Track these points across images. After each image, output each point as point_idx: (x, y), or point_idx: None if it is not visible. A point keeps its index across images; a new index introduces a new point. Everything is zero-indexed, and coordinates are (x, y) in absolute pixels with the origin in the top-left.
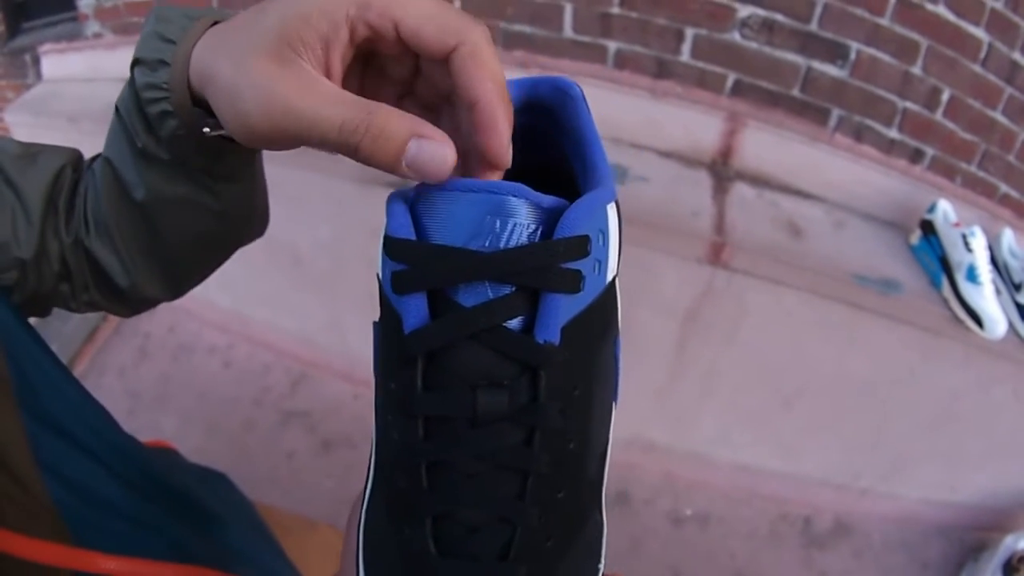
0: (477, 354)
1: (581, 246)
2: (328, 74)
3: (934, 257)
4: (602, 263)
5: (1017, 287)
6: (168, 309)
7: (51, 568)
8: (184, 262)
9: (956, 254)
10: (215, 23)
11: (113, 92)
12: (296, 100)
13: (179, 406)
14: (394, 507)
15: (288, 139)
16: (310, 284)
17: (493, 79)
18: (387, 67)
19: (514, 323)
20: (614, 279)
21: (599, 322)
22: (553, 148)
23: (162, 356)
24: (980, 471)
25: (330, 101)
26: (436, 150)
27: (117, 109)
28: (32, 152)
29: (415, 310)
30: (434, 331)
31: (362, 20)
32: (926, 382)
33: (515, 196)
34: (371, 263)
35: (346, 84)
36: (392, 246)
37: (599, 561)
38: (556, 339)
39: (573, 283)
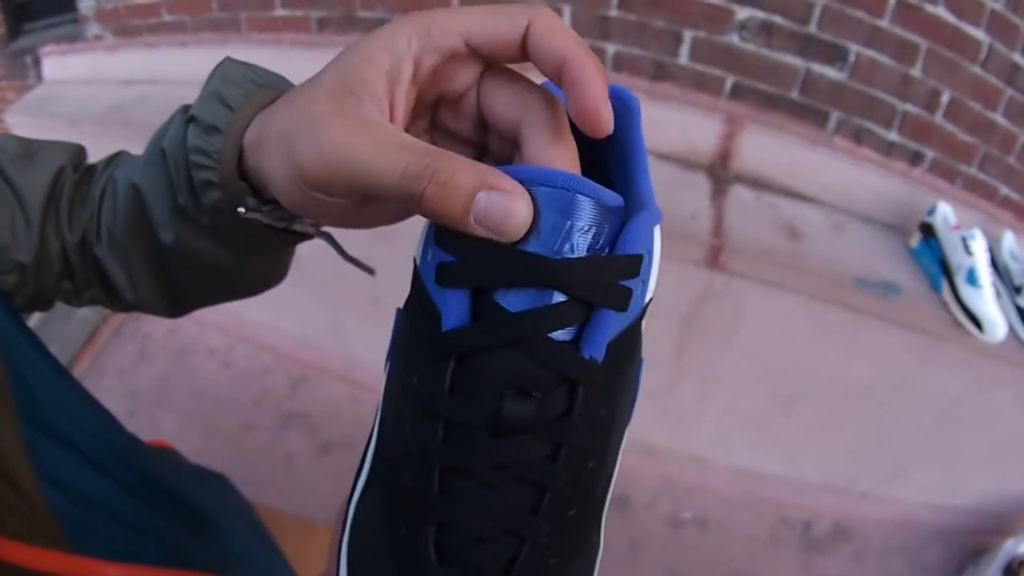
0: (511, 361)
1: (636, 265)
2: (392, 118)
3: (934, 260)
4: (645, 284)
5: (1017, 290)
6: None
7: (49, 575)
8: (192, 298)
9: (956, 257)
10: (277, 98)
11: (114, 94)
12: (355, 141)
13: (178, 407)
14: (395, 504)
15: (341, 186)
16: (310, 286)
17: (575, 38)
18: (453, 126)
19: (559, 334)
20: (650, 302)
21: (632, 343)
22: (594, 158)
23: (162, 357)
24: (980, 475)
25: (393, 144)
26: (509, 204)
27: (163, 152)
28: (32, 151)
29: (457, 307)
30: (476, 333)
31: (427, 49)
32: (926, 386)
33: (583, 195)
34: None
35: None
36: (444, 235)
37: None
38: (601, 356)
39: (624, 301)
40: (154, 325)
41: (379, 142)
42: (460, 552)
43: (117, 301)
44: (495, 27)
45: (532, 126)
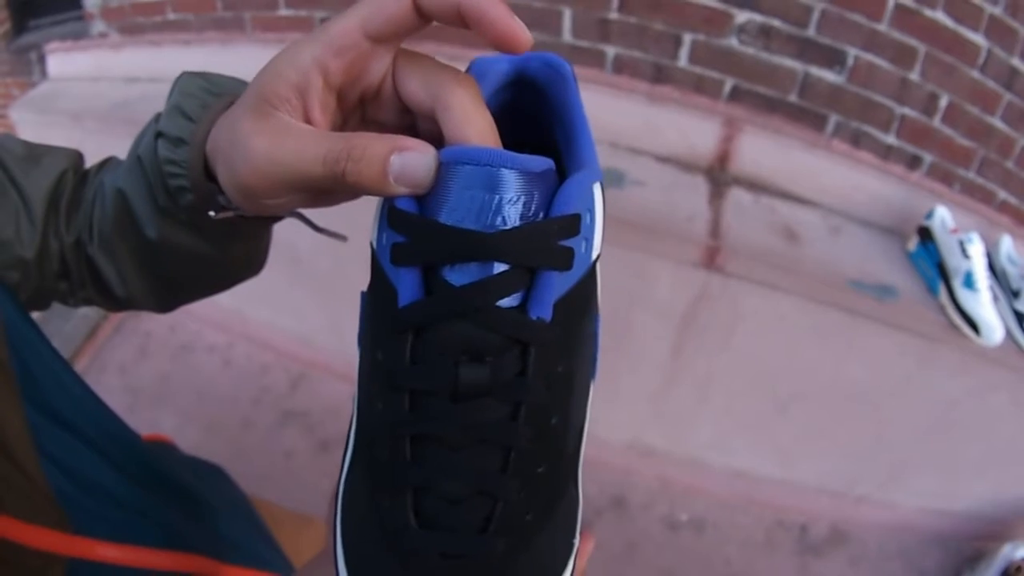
0: (463, 330)
1: (573, 225)
2: (309, 121)
3: (931, 263)
4: (589, 242)
5: (1015, 294)
6: None
7: (50, 555)
8: (180, 290)
9: (953, 260)
10: (233, 102)
11: (118, 92)
12: (275, 147)
13: (178, 404)
14: (374, 478)
15: (280, 188)
16: (309, 284)
17: None
18: (381, 117)
19: (506, 301)
20: (597, 258)
21: (583, 299)
22: (540, 126)
23: (162, 355)
24: (977, 480)
25: (309, 140)
26: (419, 159)
27: (140, 159)
28: (36, 153)
29: (410, 284)
30: (428, 307)
31: (330, 55)
32: (923, 389)
33: (506, 168)
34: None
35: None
36: (395, 217)
37: (574, 536)
38: (548, 315)
39: (565, 261)
40: (155, 323)
41: (297, 141)
42: (437, 515)
43: (109, 298)
44: (383, 6)
45: (446, 108)
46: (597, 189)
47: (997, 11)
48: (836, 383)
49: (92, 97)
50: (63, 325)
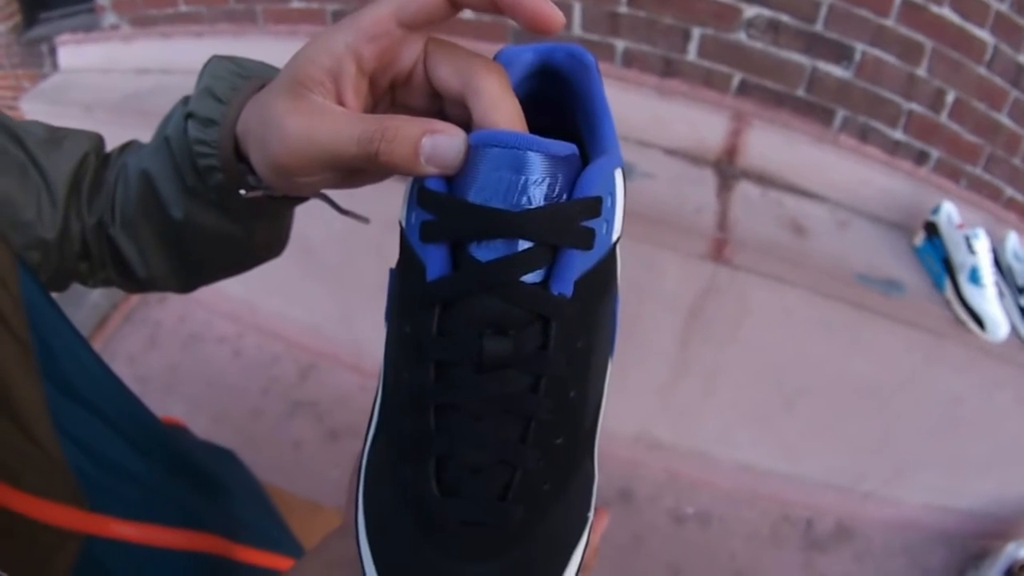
0: (488, 304)
1: (595, 206)
2: (341, 104)
3: (937, 259)
4: (609, 224)
5: (1021, 290)
6: (179, 299)
7: (66, 531)
8: (202, 271)
9: (959, 256)
10: (263, 85)
11: (129, 83)
12: (311, 126)
13: (187, 394)
14: (399, 448)
15: (314, 166)
16: (320, 275)
17: None
18: (411, 102)
19: (529, 277)
20: (617, 240)
21: (604, 279)
22: (564, 115)
23: (172, 344)
24: (983, 477)
25: (343, 121)
26: (450, 142)
27: (167, 140)
28: (58, 136)
29: (438, 259)
30: (456, 281)
31: (363, 41)
32: (929, 385)
33: (533, 151)
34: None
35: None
36: (424, 196)
37: (589, 509)
38: (569, 292)
39: (586, 240)
40: (164, 312)
41: (332, 121)
42: (458, 483)
43: (130, 279)
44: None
45: (476, 93)
46: (618, 174)
47: (1003, 8)
48: (842, 377)
49: (103, 89)
50: (73, 313)
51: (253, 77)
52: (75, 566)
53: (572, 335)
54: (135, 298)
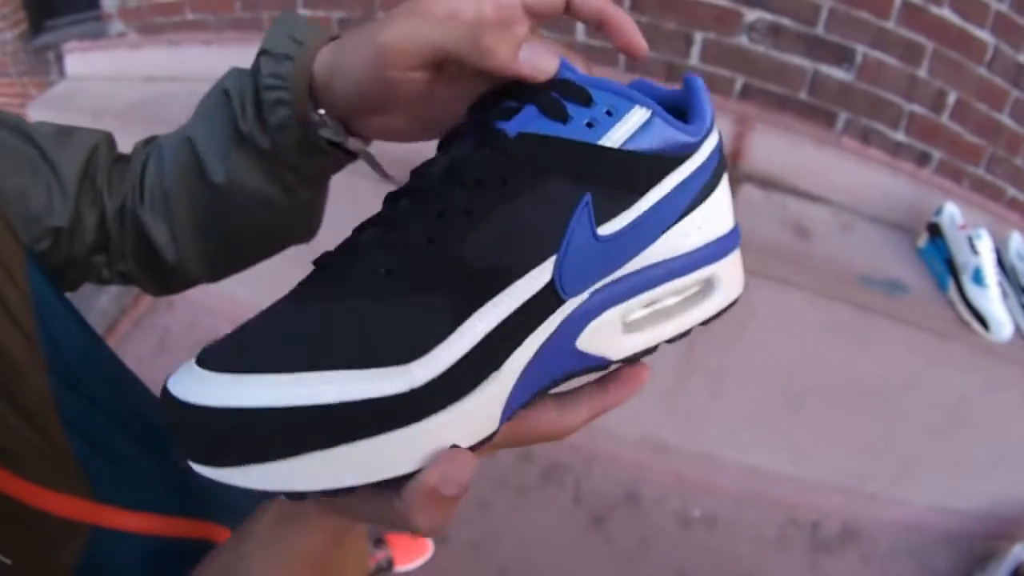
0: (465, 140)
1: (580, 93)
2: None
3: (940, 260)
4: (600, 125)
5: None
6: (188, 305)
7: (72, 522)
8: (234, 250)
9: (962, 256)
10: (338, 36)
11: (137, 91)
12: (430, 13)
13: None
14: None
15: (418, 56)
16: None
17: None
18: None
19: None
20: (612, 151)
21: (558, 161)
22: None
23: (181, 350)
24: (988, 478)
25: (459, 19)
26: (548, 49)
27: (226, 92)
28: (67, 131)
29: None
30: (463, 120)
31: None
32: (933, 386)
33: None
34: None
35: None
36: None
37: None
38: (511, 132)
39: (555, 111)
40: (173, 318)
41: (450, 18)
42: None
43: (152, 267)
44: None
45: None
46: (643, 114)
47: (1003, 7)
48: (847, 379)
49: (111, 96)
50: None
51: (327, 29)
52: (82, 555)
53: (495, 168)
54: (144, 304)
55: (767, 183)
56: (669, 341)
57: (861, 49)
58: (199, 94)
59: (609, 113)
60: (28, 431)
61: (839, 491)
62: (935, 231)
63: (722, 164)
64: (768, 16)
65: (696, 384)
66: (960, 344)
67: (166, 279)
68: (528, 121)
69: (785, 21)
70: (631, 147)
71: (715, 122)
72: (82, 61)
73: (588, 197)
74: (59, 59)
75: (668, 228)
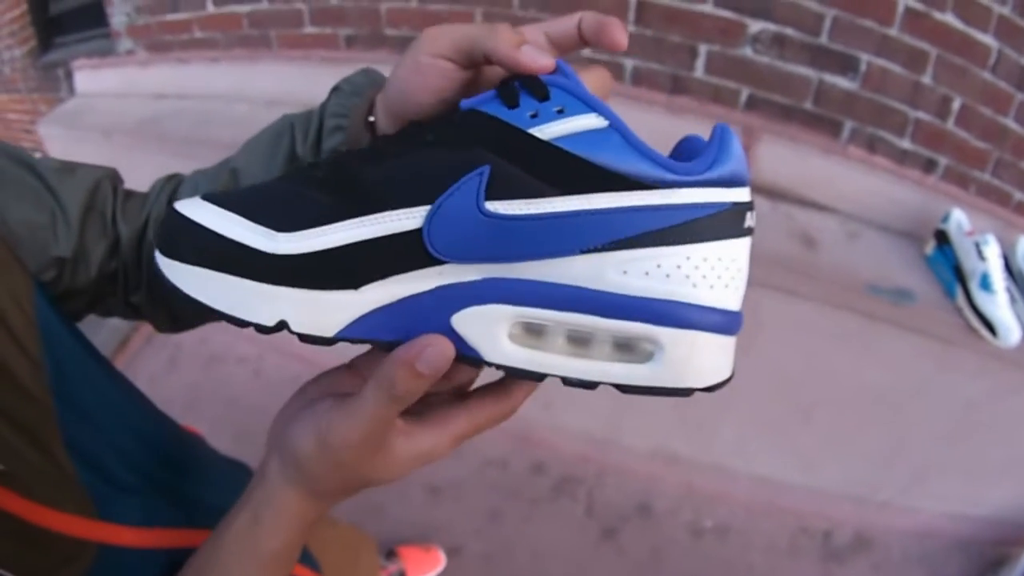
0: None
1: (540, 89)
2: None
3: (948, 267)
4: (542, 121)
5: None
6: None
7: (78, 540)
8: None
9: (970, 262)
10: None
11: (146, 108)
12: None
13: (209, 414)
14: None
15: (451, 36)
16: None
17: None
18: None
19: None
20: (546, 143)
21: (488, 138)
22: None
23: (193, 366)
24: (999, 484)
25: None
26: (542, 53)
27: (292, 124)
28: (71, 166)
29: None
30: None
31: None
32: (942, 393)
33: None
34: None
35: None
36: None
37: None
38: (465, 107)
39: (509, 98)
40: (185, 334)
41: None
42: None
43: (163, 301)
44: (565, 24)
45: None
46: (607, 127)
47: (1006, 11)
48: (856, 388)
49: (120, 113)
50: (94, 335)
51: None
52: (89, 573)
53: (434, 132)
54: None
55: (774, 193)
56: (567, 381)
57: (865, 57)
58: (207, 111)
59: (560, 111)
60: (33, 453)
61: (850, 499)
62: (942, 238)
63: (735, 230)
64: (772, 27)
65: (706, 395)
66: (968, 351)
67: (173, 315)
68: (483, 102)
69: (789, 31)
70: (565, 146)
71: (745, 183)
72: (91, 78)
73: (485, 169)
74: (68, 76)
75: (594, 250)
